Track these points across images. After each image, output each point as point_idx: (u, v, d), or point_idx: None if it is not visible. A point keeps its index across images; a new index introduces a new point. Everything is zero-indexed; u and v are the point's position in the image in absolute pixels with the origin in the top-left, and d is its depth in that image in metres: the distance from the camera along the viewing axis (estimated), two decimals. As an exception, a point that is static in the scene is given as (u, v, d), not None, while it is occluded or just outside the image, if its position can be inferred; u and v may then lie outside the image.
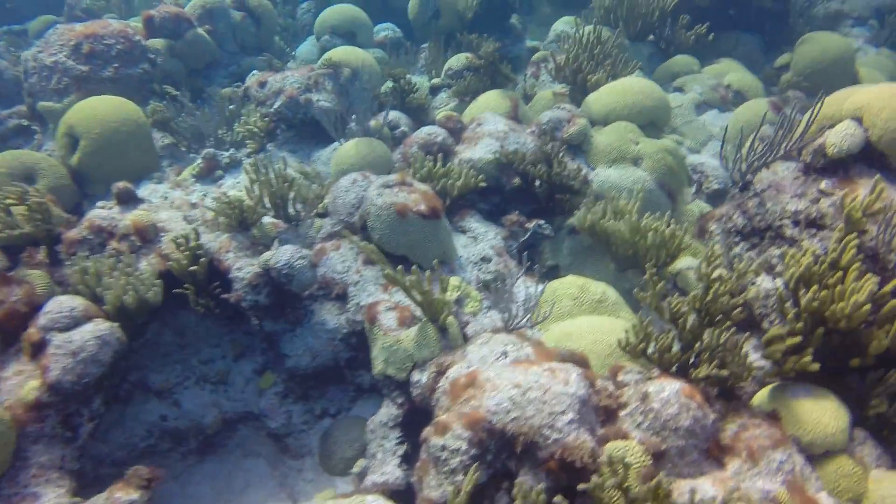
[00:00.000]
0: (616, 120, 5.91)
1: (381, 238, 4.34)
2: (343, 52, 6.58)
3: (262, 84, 6.31)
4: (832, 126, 3.98)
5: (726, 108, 6.96)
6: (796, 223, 3.80)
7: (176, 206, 5.66)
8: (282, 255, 3.98)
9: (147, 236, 4.37)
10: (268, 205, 4.80)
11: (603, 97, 6.03)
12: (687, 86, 7.13)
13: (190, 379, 4.57)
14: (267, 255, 4.07)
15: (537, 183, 5.11)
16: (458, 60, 6.62)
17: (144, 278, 4.00)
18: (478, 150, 5.26)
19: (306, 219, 4.88)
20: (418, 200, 4.33)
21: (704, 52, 8.28)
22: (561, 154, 5.20)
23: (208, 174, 6.03)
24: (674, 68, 7.53)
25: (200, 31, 7.38)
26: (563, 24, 8.63)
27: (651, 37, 8.17)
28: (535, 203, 5.27)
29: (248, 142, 6.27)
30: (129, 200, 4.79)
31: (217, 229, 4.48)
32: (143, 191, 5.87)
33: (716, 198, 6.00)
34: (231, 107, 6.57)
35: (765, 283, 3.80)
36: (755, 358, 3.61)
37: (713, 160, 6.20)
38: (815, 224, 3.71)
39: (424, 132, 5.43)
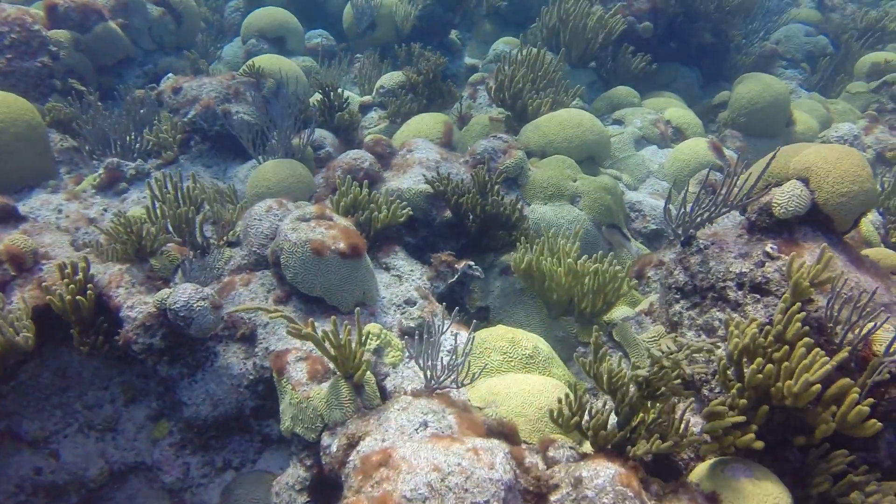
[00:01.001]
0: (554, 153, 5.66)
1: (294, 277, 3.91)
2: (268, 61, 6.11)
3: (177, 90, 5.78)
4: (778, 184, 3.80)
5: (665, 145, 6.82)
6: (740, 286, 3.58)
7: (71, 220, 5.10)
8: (180, 295, 3.51)
9: (24, 265, 3.82)
10: (171, 229, 4.31)
11: (542, 128, 5.76)
12: (627, 118, 6.96)
13: (72, 426, 4.02)
14: (163, 293, 3.59)
15: (470, 217, 4.78)
16: (391, 78, 6.23)
17: (15, 317, 3.46)
18: (407, 180, 4.89)
19: (216, 247, 4.40)
20: (337, 238, 3.92)
21: (644, 84, 8.17)
22: (496, 187, 4.88)
23: (110, 186, 5.46)
24: (614, 99, 7.36)
25: (112, 24, 6.76)
26: (503, 44, 8.37)
27: (593, 63, 8.00)
28: (466, 237, 4.94)
29: (158, 152, 5.73)
30: (6, 219, 4.21)
31: (110, 258, 3.96)
32: (35, 201, 5.27)
33: (653, 238, 5.82)
34: (142, 111, 6.00)
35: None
36: (694, 422, 3.38)
37: (651, 199, 6.03)
38: (759, 289, 3.50)
39: (350, 156, 5.03)
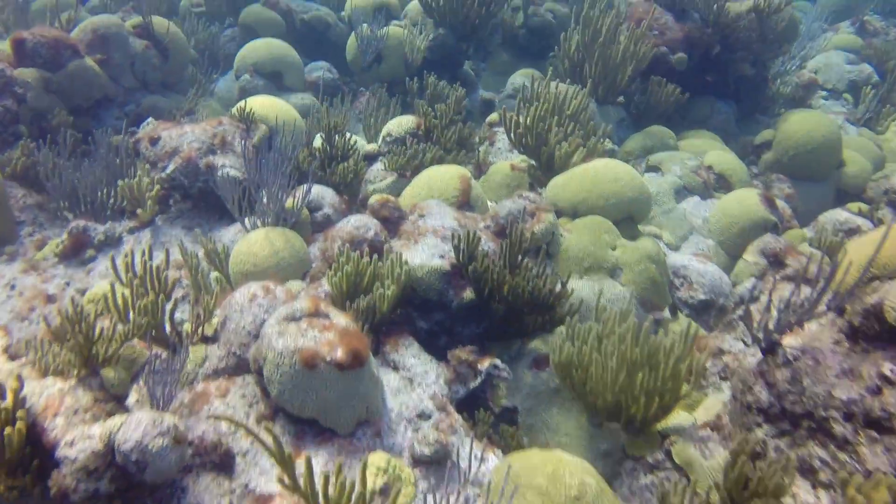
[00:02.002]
0: (588, 212, 4.89)
1: (280, 396, 3.14)
2: (261, 104, 5.38)
3: (155, 140, 5.04)
4: (891, 278, 3.03)
5: (708, 194, 6.05)
6: (849, 417, 2.80)
7: (25, 298, 4.36)
8: (133, 430, 2.75)
9: (-60, 382, 3.06)
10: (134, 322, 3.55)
11: (573, 182, 5.00)
12: (664, 165, 6.19)
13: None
14: (112, 424, 2.84)
15: (496, 297, 4.01)
16: (400, 125, 5.48)
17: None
18: (419, 253, 4.13)
19: (189, 343, 3.64)
20: (334, 344, 3.15)
21: (677, 120, 7.42)
22: (526, 260, 4.11)
23: (75, 254, 4.73)
24: (648, 140, 6.60)
25: (88, 61, 6.05)
26: (522, 77, 7.64)
27: (621, 98, 7.25)
28: (489, 319, 4.17)
29: (134, 210, 4.99)
30: (-69, 316, 3.46)
31: (52, 369, 3.20)
32: (-16, 273, 4.52)
33: (702, 311, 5.04)
34: (117, 160, 5.27)
35: (804, 494, 2.79)
36: None
37: (697, 262, 5.24)
38: (877, 425, 2.71)
39: (352, 224, 4.27)
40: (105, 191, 5.10)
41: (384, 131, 5.55)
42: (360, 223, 4.26)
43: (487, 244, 4.32)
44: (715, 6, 7.10)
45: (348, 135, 5.22)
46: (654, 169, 6.28)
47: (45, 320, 3.44)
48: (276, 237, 4.15)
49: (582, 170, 5.07)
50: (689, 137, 7.00)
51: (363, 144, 6.11)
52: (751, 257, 4.89)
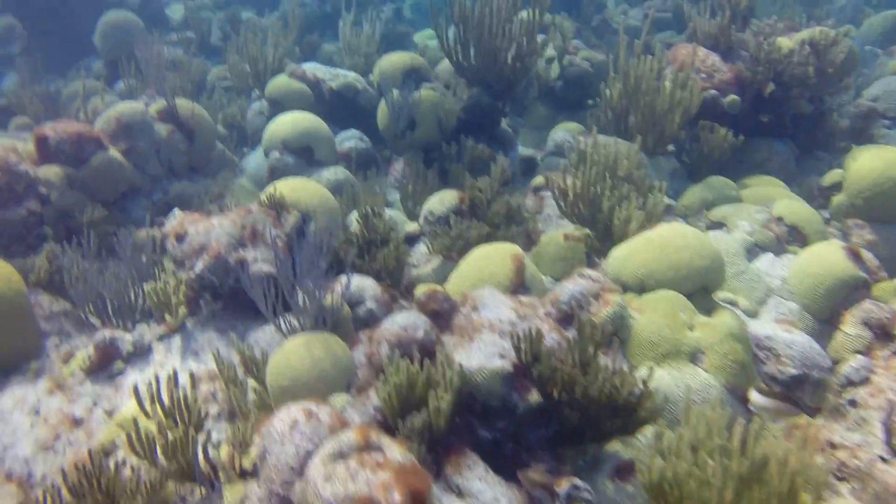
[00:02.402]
0: (656, 286, 4.40)
1: (332, 554, 2.69)
2: (291, 188, 5.03)
3: (181, 237, 4.71)
4: None
5: (782, 250, 5.51)
6: None
7: (50, 425, 4.01)
8: None
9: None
10: (163, 460, 3.15)
11: (637, 254, 4.52)
12: (729, 220, 5.68)
13: None
14: None
15: (566, 399, 3.52)
16: (442, 202, 5.08)
17: None
18: (476, 353, 3.67)
19: (227, 480, 3.22)
20: (390, 486, 2.70)
21: (733, 165, 6.92)
22: (598, 358, 3.62)
23: (103, 368, 4.38)
24: (707, 193, 6.10)
25: (113, 152, 5.81)
26: (563, 133, 7.23)
27: (671, 147, 6.79)
28: (560, 423, 3.68)
29: (163, 314, 4.65)
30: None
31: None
32: (7, 399, 4.19)
33: (794, 387, 4.47)
34: (143, 259, 4.96)
35: None
36: None
37: (783, 331, 4.69)
38: None
39: (399, 324, 3.84)
40: (132, 294, 4.78)
41: (425, 209, 5.15)
42: (408, 322, 3.83)
43: (551, 336, 3.85)
44: (765, 43, 6.64)
45: (387, 215, 4.84)
46: (718, 225, 5.77)
47: (63, 475, 3.05)
48: (316, 345, 3.73)
49: (645, 239, 4.59)
50: (750, 185, 6.48)
51: (402, 220, 5.73)
52: (851, 329, 4.33)
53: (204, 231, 4.67)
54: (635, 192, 5.23)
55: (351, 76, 7.94)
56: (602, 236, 5.00)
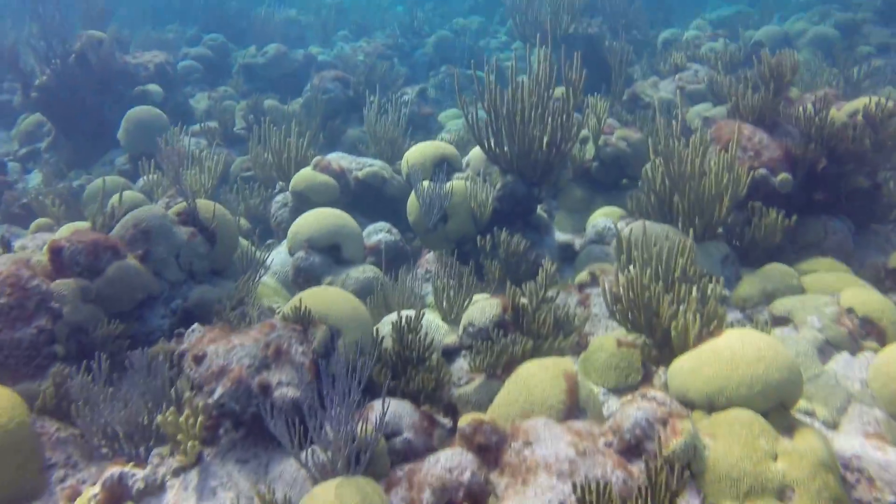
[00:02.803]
0: (727, 404, 3.89)
1: None
2: (317, 300, 4.65)
3: (200, 359, 4.33)
4: None
5: (857, 347, 4.98)
6: None
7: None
8: None
9: None
10: None
11: (704, 367, 4.03)
12: (796, 315, 5.18)
13: None
14: None
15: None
16: (483, 313, 4.65)
17: None
18: (532, 502, 3.18)
19: None
20: None
21: (786, 247, 6.45)
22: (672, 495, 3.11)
23: (110, 511, 3.94)
24: (766, 284, 5.62)
25: (130, 260, 5.50)
26: (604, 219, 6.83)
27: (720, 231, 6.34)
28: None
29: (178, 443, 4.23)
30: None
31: None
32: (4, 553, 3.75)
33: (895, 520, 3.89)
34: (157, 382, 4.56)
35: None
36: None
37: (873, 449, 4.13)
38: None
39: (442, 465, 3.37)
40: (145, 419, 4.37)
41: (465, 320, 4.73)
42: (453, 463, 3.36)
43: (615, 474, 3.35)
44: (817, 118, 6.25)
45: (423, 328, 4.42)
46: (782, 320, 5.27)
47: None
48: (348, 496, 3.27)
49: (712, 349, 4.11)
50: (810, 270, 5.99)
51: (437, 325, 5.30)
52: (961, 455, 3.77)
53: (224, 352, 4.29)
54: (692, 290, 4.77)
55: (377, 165, 7.68)
56: (660, 343, 4.53)
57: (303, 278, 6.15)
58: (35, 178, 9.87)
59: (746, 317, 5.51)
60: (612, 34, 12.08)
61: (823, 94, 6.56)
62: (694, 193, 5.82)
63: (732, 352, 4.03)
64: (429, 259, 7.18)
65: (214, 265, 6.15)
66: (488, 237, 6.04)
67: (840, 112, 6.66)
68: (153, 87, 10.44)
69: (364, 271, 6.08)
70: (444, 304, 5.31)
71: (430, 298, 6.90)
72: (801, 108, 6.32)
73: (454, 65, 14.39)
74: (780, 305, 5.36)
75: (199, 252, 5.93)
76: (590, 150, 7.57)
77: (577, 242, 7.30)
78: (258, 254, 6.50)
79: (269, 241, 8.19)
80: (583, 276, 5.55)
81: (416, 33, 16.18)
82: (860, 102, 6.57)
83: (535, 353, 4.33)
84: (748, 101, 6.65)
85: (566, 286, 5.86)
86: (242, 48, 15.42)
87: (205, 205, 6.05)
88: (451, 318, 5.41)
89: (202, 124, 10.08)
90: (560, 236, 7.49)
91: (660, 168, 6.08)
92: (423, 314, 4.41)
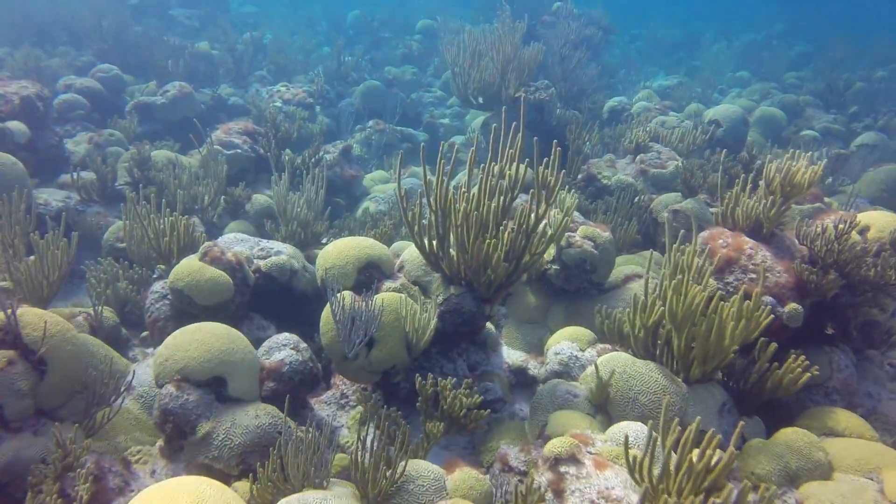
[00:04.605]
0: None
1: None
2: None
3: None
4: None
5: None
6: None
7: None
8: None
9: None
10: None
11: None
12: (832, 499, 3.89)
13: None
14: None
15: None
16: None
17: None
18: None
19: None
20: None
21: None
22: None
23: None
24: (788, 460, 4.32)
25: None
26: (568, 343, 5.46)
27: (719, 374, 5.07)
28: None
29: None
30: None
31: None
32: None
33: None
34: None
35: None
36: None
37: None
38: None
39: None
40: None
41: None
42: None
43: None
44: (836, 242, 5.10)
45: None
46: (815, 517, 3.96)
47: None
48: None
49: None
50: (827, 430, 4.76)
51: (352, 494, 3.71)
52: None
53: None
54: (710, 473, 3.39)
55: (285, 254, 6.08)
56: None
57: (172, 424, 4.46)
58: None
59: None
60: (562, 102, 10.99)
61: (851, 214, 5.46)
62: (697, 340, 4.52)
63: None
64: (341, 383, 5.62)
65: (44, 403, 4.37)
66: (429, 377, 4.54)
67: (859, 236, 5.58)
68: (15, 125, 8.51)
69: (258, 415, 4.45)
70: (361, 477, 3.76)
71: (345, 436, 5.35)
72: (818, 228, 5.16)
73: (384, 119, 12.97)
74: (810, 492, 4.06)
75: (16, 389, 4.15)
76: (549, 251, 6.22)
77: (532, 366, 5.90)
78: (108, 382, 4.75)
79: (143, 334, 6.43)
80: (556, 446, 4.09)
81: (342, 80, 14.69)
82: (876, 219, 5.51)
83: None
84: (747, 209, 5.46)
85: (524, 443, 4.43)
86: (143, 82, 13.55)
87: (32, 320, 4.30)
88: (370, 499, 3.86)
89: (73, 175, 8.22)
90: (511, 354, 6.08)
91: (658, 306, 4.76)
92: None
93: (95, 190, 8.32)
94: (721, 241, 5.47)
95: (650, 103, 12.61)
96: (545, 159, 4.73)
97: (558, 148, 4.60)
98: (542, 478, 4.06)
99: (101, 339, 5.97)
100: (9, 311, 4.19)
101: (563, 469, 4.01)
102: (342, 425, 5.47)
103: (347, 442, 5.24)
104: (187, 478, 3.45)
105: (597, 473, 3.94)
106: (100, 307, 6.09)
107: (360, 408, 5.50)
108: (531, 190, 4.53)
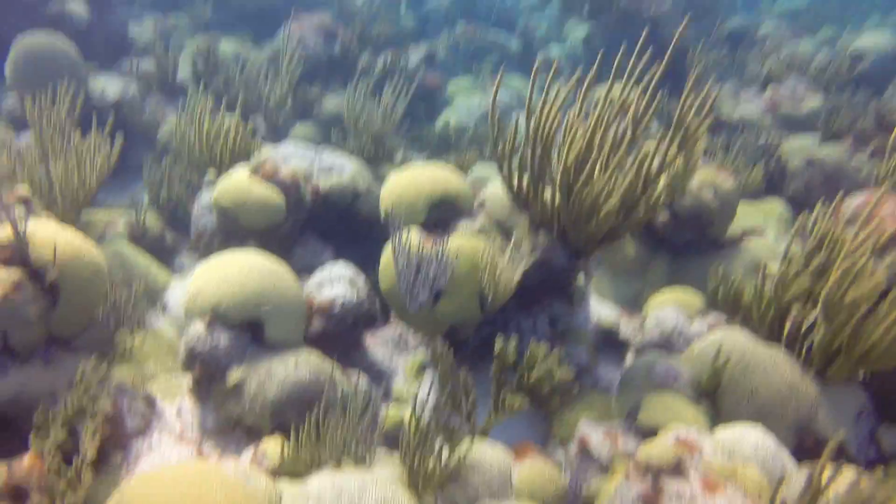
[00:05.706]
0: None
1: None
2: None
3: None
4: None
5: None
6: None
7: None
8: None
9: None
10: None
11: None
12: None
13: None
14: None
15: None
16: None
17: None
18: None
19: None
20: None
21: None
22: None
23: None
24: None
25: None
26: (674, 309, 4.57)
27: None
28: None
29: None
30: None
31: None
32: None
33: None
34: None
35: None
36: None
37: None
38: None
39: None
40: None
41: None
42: None
43: None
44: None
45: None
46: None
47: None
48: None
49: None
50: None
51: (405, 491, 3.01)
52: None
53: None
54: None
55: (348, 171, 5.27)
56: None
57: (199, 367, 3.83)
58: None
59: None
60: (677, 21, 9.59)
61: None
62: (863, 334, 3.54)
63: None
64: (396, 331, 4.92)
65: (56, 331, 3.77)
66: (511, 337, 3.73)
67: None
68: (75, 8, 7.84)
69: (298, 367, 3.77)
70: (411, 463, 3.06)
71: (399, 385, 4.70)
72: None
73: (475, 22, 11.79)
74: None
75: (23, 315, 3.55)
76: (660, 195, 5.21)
77: (624, 327, 5.03)
78: (137, 304, 4.16)
79: (187, 247, 5.86)
80: (657, 454, 3.25)
81: (435, -24, 13.45)
82: None
83: None
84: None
85: (609, 425, 3.66)
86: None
87: (43, 237, 3.65)
88: (420, 488, 3.17)
89: (133, 63, 7.56)
90: (599, 311, 5.21)
91: (799, 281, 3.77)
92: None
93: (155, 81, 7.66)
94: (890, 208, 4.37)
95: (778, 26, 11.01)
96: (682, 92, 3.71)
97: (698, 80, 3.55)
98: (632, 488, 3.26)
99: (144, 247, 5.42)
100: (18, 226, 3.54)
101: (661, 483, 3.19)
102: (398, 371, 4.80)
103: (401, 395, 4.57)
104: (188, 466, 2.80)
105: (704, 498, 3.11)
106: (143, 213, 5.50)
107: (420, 352, 4.81)
108: (659, 129, 3.53)
